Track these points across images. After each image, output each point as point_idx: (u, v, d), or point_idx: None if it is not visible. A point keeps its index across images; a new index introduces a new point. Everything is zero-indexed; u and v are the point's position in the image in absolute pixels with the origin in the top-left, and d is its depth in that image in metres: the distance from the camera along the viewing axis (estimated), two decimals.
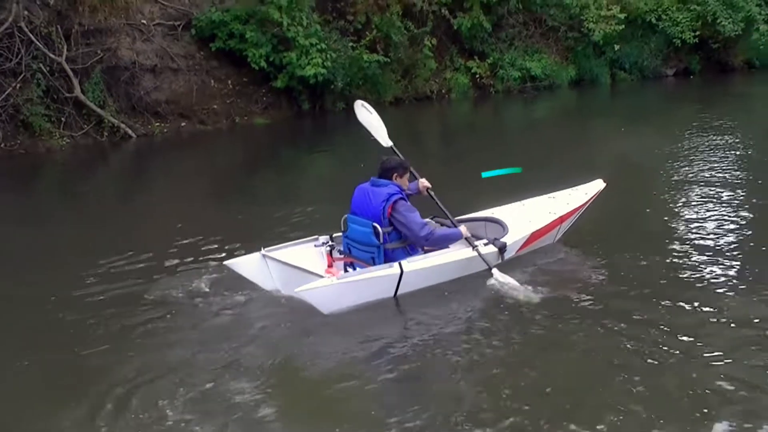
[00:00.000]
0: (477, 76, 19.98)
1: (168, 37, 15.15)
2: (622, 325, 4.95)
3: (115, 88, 14.09)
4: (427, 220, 6.08)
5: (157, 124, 14.48)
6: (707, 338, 4.75)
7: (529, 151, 12.08)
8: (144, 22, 14.91)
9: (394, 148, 6.57)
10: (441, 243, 5.88)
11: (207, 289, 5.75)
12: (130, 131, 13.88)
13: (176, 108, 14.88)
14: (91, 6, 14.13)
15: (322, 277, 5.53)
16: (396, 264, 5.59)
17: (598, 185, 7.18)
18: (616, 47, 22.56)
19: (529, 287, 5.65)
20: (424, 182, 6.30)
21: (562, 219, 6.79)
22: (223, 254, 6.46)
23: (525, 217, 6.66)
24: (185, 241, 7.07)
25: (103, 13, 14.35)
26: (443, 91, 19.34)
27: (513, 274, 5.83)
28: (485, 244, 6.07)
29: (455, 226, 6.10)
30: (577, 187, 7.16)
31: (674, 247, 6.68)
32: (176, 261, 6.51)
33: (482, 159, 11.08)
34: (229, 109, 15.54)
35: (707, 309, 5.19)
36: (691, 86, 23.39)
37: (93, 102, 13.63)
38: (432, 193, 6.26)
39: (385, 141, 6.79)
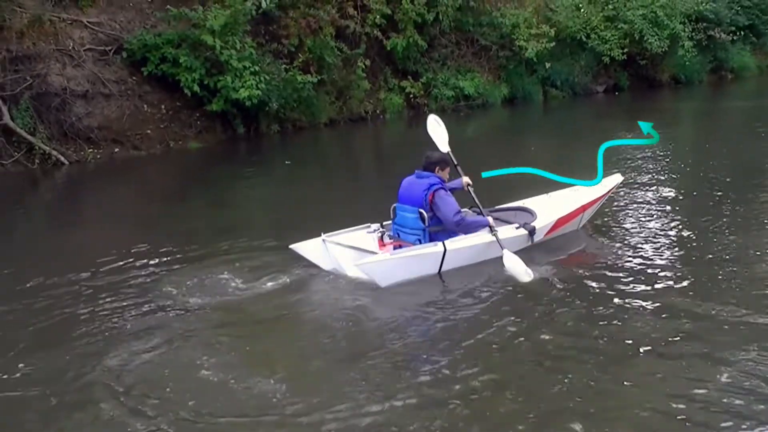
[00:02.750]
0: (411, 95, 20.75)
1: (99, 62, 15.44)
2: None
3: (45, 115, 14.28)
4: (465, 210, 7.13)
5: (90, 150, 14.70)
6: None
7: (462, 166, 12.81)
8: (74, 47, 15.15)
9: (450, 154, 7.58)
10: (470, 229, 6.94)
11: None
12: (62, 158, 14.10)
13: (109, 134, 15.14)
14: (18, 31, 14.37)
15: (373, 254, 6.73)
16: (440, 243, 6.70)
17: (616, 179, 8.60)
18: (548, 65, 23.68)
19: (531, 270, 6.59)
20: (466, 179, 7.41)
21: (584, 208, 8.01)
22: (151, 279, 6.94)
23: (551, 207, 7.88)
24: (122, 263, 7.44)
25: (31, 38, 14.60)
26: (378, 111, 20.03)
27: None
28: (516, 228, 7.24)
29: (484, 216, 7.15)
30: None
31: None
32: (114, 283, 6.89)
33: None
34: (163, 133, 15.88)
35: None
36: (620, 102, 24.59)
37: (23, 129, 13.82)
38: (471, 189, 7.37)
39: (444, 148, 7.70)
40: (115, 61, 15.66)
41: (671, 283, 6.31)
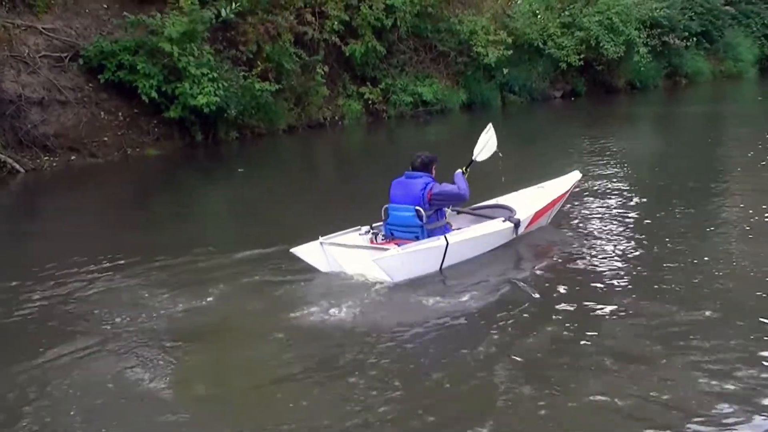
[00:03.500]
0: (370, 102, 21.02)
1: (55, 69, 15.48)
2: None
3: (0, 122, 14.28)
4: (448, 211, 7.75)
5: (47, 158, 14.72)
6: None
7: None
8: (29, 53, 15.17)
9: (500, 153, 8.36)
10: (465, 186, 7.50)
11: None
12: (17, 166, 14.11)
13: (65, 141, 15.17)
14: None
15: (383, 249, 7.04)
16: (442, 237, 7.19)
17: (576, 176, 9.18)
18: (505, 71, 24.10)
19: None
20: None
21: (553, 203, 8.70)
22: (109, 288, 7.07)
23: (524, 203, 8.45)
24: (80, 273, 7.55)
25: None
26: (336, 117, 20.26)
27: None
28: (503, 221, 7.85)
29: (457, 179, 7.66)
30: (559, 178, 9.13)
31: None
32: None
33: (374, 182, 12.12)
34: (121, 141, 15.94)
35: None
36: (577, 107, 25.10)
37: None
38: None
39: (486, 153, 8.36)
40: (71, 68, 15.71)
41: (628, 285, 6.68)
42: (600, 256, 7.53)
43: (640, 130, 20.35)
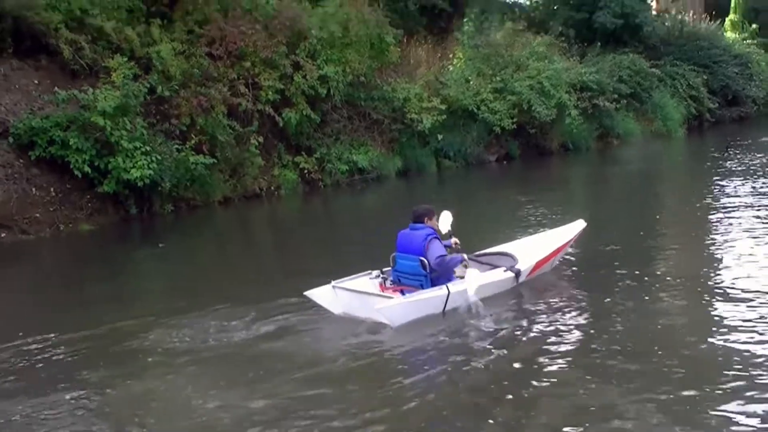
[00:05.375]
0: (305, 171, 21.52)
1: None
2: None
3: None
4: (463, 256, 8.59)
5: None
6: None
7: (352, 239, 14.10)
8: None
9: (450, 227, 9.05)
10: (447, 266, 8.27)
11: None
12: None
13: None
14: None
15: (389, 297, 8.01)
16: (444, 286, 8.05)
17: (581, 224, 10.07)
18: (440, 137, 24.87)
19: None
20: (455, 240, 8.82)
21: (557, 251, 9.54)
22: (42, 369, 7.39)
23: (528, 251, 9.33)
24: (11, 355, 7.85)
25: None
26: (272, 187, 20.68)
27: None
28: (504, 271, 8.74)
29: (460, 256, 8.51)
30: (564, 226, 10.15)
31: None
32: None
33: (312, 249, 12.83)
34: (53, 216, 16.11)
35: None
36: (511, 170, 25.98)
37: None
38: (458, 246, 8.81)
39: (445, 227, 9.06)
40: (1, 144, 15.89)
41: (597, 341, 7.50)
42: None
43: (573, 192, 21.28)
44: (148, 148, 16.46)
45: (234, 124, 19.13)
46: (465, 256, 8.58)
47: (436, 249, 8.15)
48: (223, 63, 19.68)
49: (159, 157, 16.60)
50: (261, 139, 19.91)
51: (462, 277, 8.44)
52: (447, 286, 8.07)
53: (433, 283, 8.16)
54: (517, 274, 8.78)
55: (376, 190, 22.10)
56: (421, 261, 8.09)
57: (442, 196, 21.82)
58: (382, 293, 8.31)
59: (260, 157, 20.02)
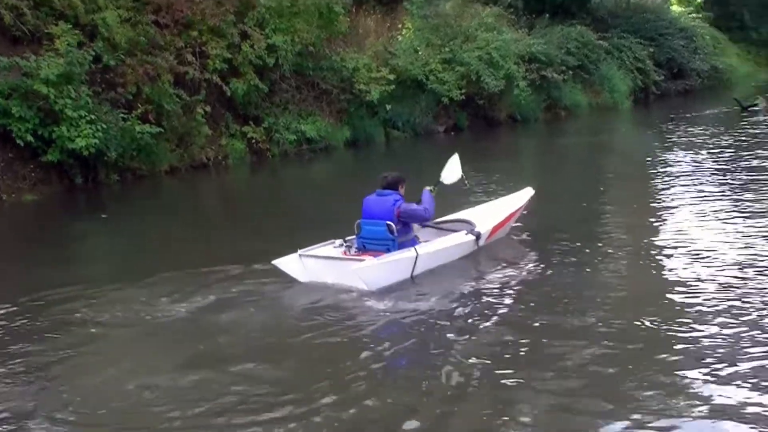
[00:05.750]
0: (253, 141, 21.50)
1: None
2: None
3: None
4: (415, 226, 9.03)
5: None
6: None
7: (301, 209, 14.18)
8: None
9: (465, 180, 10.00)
10: (431, 206, 8.78)
11: None
12: None
13: None
14: None
15: (360, 260, 8.15)
16: (412, 249, 8.39)
17: (529, 192, 10.62)
18: (388, 107, 24.99)
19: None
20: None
21: (510, 216, 10.06)
22: None
23: (484, 217, 9.80)
24: None
25: None
26: (220, 157, 20.65)
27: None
28: (465, 234, 9.13)
29: (423, 196, 8.96)
30: (513, 194, 10.71)
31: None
32: None
33: (260, 219, 12.96)
34: None
35: None
36: (460, 141, 26.20)
37: None
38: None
39: (452, 178, 9.84)
40: None
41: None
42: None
43: (521, 163, 21.65)
44: (93, 117, 16.30)
45: (181, 93, 19.01)
46: (427, 188, 9.07)
47: (415, 209, 8.60)
48: (169, 31, 19.54)
49: (104, 126, 16.45)
50: (208, 109, 19.85)
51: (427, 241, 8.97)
52: (415, 248, 8.40)
53: (400, 247, 8.43)
54: (478, 236, 9.16)
55: (324, 161, 22.21)
56: (388, 225, 8.36)
57: (390, 167, 22.03)
58: (353, 257, 8.50)
59: (207, 127, 19.96)
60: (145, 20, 18.92)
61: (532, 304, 7.68)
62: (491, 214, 10.02)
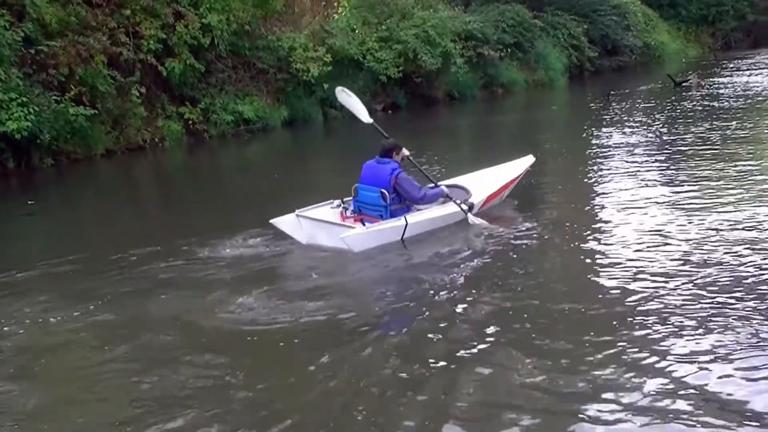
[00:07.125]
0: (190, 122, 21.44)
1: None
2: None
3: None
4: (443, 189, 9.47)
5: None
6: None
7: (239, 190, 14.38)
8: None
9: (375, 125, 9.99)
10: (431, 201, 9.20)
11: None
12: None
13: None
14: None
15: (351, 227, 8.61)
16: (402, 217, 8.76)
17: (529, 159, 11.09)
18: (326, 86, 25.01)
19: (493, 225, 9.37)
20: (404, 152, 9.32)
21: (507, 185, 10.43)
22: None
23: (481, 184, 10.13)
24: None
25: None
26: (156, 139, 20.54)
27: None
28: (458, 204, 9.35)
29: (437, 187, 9.52)
30: (514, 161, 11.00)
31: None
32: None
33: (198, 201, 13.01)
34: None
35: None
36: (398, 119, 26.43)
37: None
38: (411, 159, 9.65)
39: (366, 119, 10.09)
40: None
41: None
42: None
43: (459, 141, 21.93)
44: (24, 99, 16.10)
45: (115, 75, 18.85)
46: (444, 188, 9.47)
47: (413, 185, 8.94)
48: (101, 11, 19.35)
49: (37, 109, 16.25)
50: (143, 90, 19.71)
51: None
52: (405, 217, 8.76)
53: (393, 215, 8.82)
54: (470, 207, 9.45)
55: (262, 141, 22.24)
56: (382, 193, 8.73)
57: (328, 146, 22.27)
58: (343, 223, 8.94)
59: (143, 108, 19.84)
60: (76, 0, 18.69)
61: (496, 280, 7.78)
62: (488, 181, 10.39)
